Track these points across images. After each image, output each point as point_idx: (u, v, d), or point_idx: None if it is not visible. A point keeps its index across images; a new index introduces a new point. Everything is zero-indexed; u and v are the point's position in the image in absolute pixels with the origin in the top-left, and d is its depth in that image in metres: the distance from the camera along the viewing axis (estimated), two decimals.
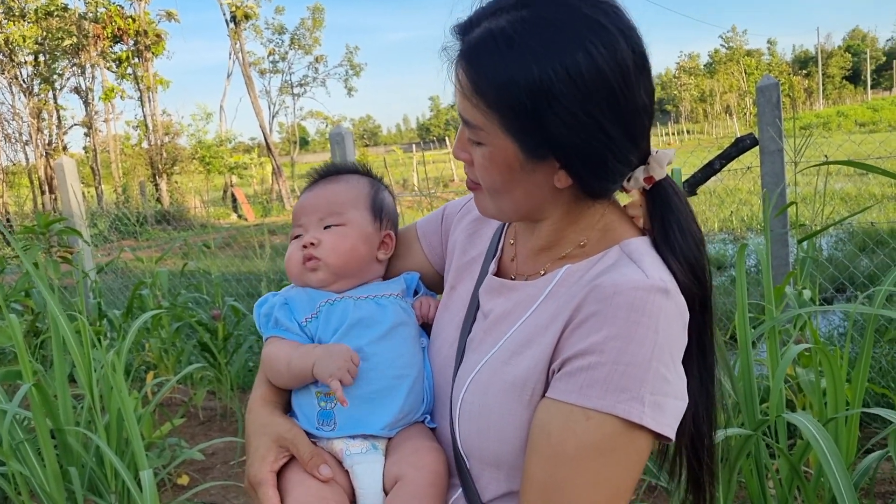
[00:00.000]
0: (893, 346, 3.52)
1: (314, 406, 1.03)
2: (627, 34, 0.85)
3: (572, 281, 0.93)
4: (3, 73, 20.24)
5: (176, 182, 23.27)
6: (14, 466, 2.26)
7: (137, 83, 22.66)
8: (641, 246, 0.92)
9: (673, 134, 43.99)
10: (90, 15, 21.03)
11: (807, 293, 2.72)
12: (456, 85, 0.90)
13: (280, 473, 1.00)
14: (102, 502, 2.50)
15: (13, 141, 21.15)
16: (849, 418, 2.01)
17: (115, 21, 20.92)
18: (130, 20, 21.41)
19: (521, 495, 0.87)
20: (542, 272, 0.98)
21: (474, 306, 1.05)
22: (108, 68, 22.52)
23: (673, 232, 0.92)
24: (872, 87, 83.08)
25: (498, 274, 1.05)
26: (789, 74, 69.27)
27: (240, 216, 19.46)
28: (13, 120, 20.84)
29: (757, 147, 3.54)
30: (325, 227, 1.12)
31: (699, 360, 0.93)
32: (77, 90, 22.15)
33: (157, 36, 22.34)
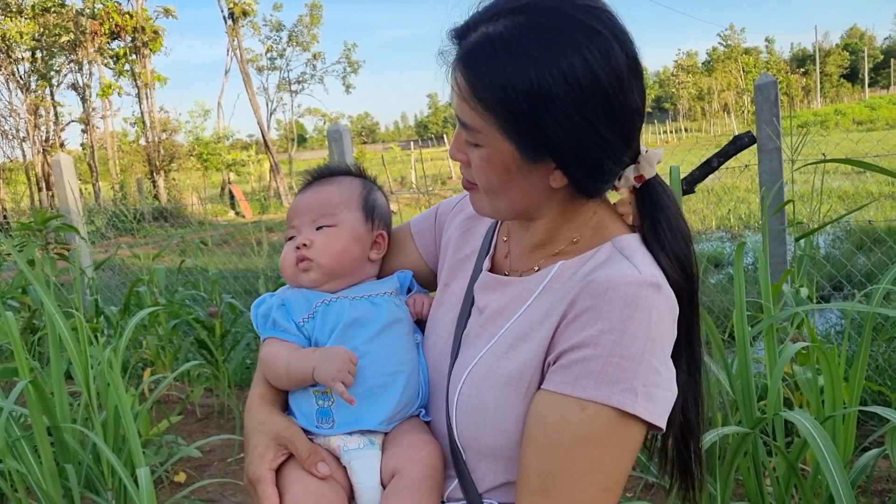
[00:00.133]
0: (891, 345, 3.53)
1: (312, 405, 1.04)
2: (621, 39, 0.87)
3: (566, 276, 0.95)
4: (1, 70, 20.20)
5: (173, 179, 23.25)
6: (10, 464, 2.26)
7: (135, 80, 22.64)
8: (633, 242, 0.94)
9: (671, 132, 43.87)
10: (87, 11, 21.00)
11: (804, 291, 2.73)
12: (453, 88, 0.91)
13: (278, 471, 1.02)
14: (99, 499, 2.50)
15: (10, 137, 21.17)
16: (846, 416, 2.02)
17: (112, 17, 20.89)
18: (128, 16, 21.38)
19: (518, 485, 0.90)
20: (536, 268, 1.00)
21: (469, 302, 1.06)
22: (105, 65, 22.50)
23: (662, 229, 0.95)
24: (870, 86, 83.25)
25: (492, 270, 1.07)
26: (787, 73, 69.31)
27: (237, 213, 19.43)
28: (10, 116, 20.82)
29: (755, 145, 3.55)
30: (318, 229, 1.13)
31: (687, 352, 0.96)
32: (74, 87, 22.16)
33: (155, 32, 22.31)
